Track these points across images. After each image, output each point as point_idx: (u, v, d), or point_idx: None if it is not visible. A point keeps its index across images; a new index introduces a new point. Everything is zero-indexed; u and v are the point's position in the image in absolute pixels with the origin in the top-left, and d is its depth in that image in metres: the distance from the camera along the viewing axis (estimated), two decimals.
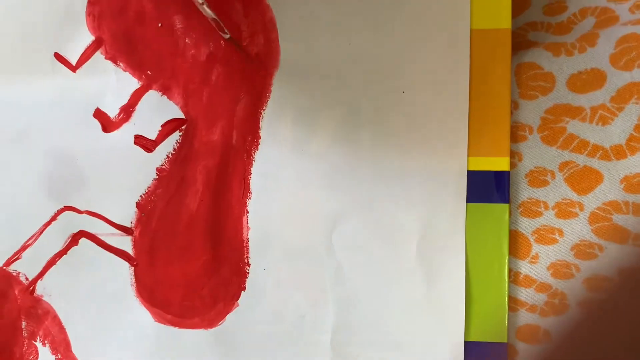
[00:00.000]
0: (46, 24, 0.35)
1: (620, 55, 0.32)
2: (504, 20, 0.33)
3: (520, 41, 0.34)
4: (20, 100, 0.35)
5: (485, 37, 0.33)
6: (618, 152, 0.32)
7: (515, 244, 0.34)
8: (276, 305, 0.34)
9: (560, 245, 0.33)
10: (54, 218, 0.35)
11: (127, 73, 0.34)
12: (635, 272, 0.32)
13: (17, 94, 0.35)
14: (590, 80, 0.32)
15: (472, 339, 0.33)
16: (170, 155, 0.35)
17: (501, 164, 0.33)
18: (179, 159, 0.35)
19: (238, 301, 0.34)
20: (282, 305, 0.34)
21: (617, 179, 0.32)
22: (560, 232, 0.33)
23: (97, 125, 0.35)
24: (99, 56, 0.35)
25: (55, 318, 0.35)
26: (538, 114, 0.33)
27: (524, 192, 0.34)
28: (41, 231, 0.35)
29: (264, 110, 0.34)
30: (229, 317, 0.34)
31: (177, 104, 0.34)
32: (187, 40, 0.34)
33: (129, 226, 0.35)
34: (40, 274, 0.35)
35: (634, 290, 0.31)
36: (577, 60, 0.33)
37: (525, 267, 0.34)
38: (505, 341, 0.33)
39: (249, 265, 0.34)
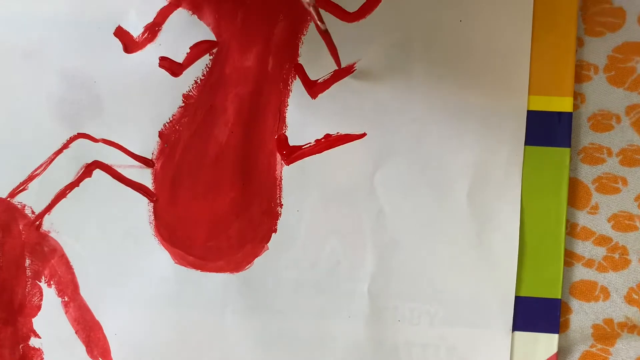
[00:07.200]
0: None
1: None
2: None
3: None
4: (33, 14, 0.32)
5: None
6: None
7: (574, 193, 0.31)
8: (309, 250, 0.32)
9: (624, 195, 0.31)
10: (65, 146, 0.32)
11: None
12: None
13: (30, 7, 0.32)
14: None
15: (523, 294, 0.31)
16: (198, 80, 0.32)
17: (564, 104, 0.31)
18: (208, 85, 0.32)
19: (268, 244, 0.32)
20: (316, 250, 0.32)
21: None
22: (624, 181, 0.31)
23: (117, 44, 0.32)
24: None
25: (63, 257, 0.32)
26: (605, 53, 0.31)
27: (586, 136, 0.31)
28: (51, 160, 0.32)
29: (304, 35, 0.32)
30: (257, 261, 0.32)
31: (207, 25, 0.32)
32: None
33: (150, 158, 0.32)
34: (48, 208, 0.32)
35: None
36: None
37: (583, 218, 0.31)
38: (559, 297, 0.31)
39: (281, 205, 0.32)
